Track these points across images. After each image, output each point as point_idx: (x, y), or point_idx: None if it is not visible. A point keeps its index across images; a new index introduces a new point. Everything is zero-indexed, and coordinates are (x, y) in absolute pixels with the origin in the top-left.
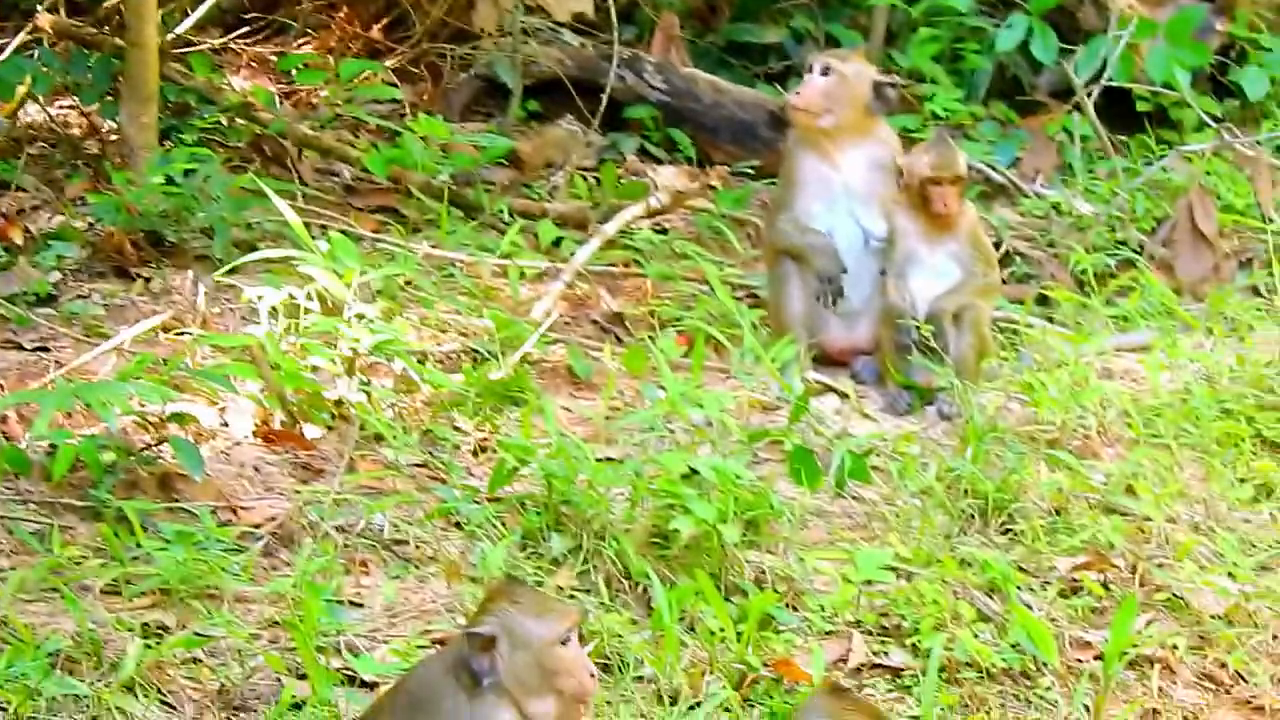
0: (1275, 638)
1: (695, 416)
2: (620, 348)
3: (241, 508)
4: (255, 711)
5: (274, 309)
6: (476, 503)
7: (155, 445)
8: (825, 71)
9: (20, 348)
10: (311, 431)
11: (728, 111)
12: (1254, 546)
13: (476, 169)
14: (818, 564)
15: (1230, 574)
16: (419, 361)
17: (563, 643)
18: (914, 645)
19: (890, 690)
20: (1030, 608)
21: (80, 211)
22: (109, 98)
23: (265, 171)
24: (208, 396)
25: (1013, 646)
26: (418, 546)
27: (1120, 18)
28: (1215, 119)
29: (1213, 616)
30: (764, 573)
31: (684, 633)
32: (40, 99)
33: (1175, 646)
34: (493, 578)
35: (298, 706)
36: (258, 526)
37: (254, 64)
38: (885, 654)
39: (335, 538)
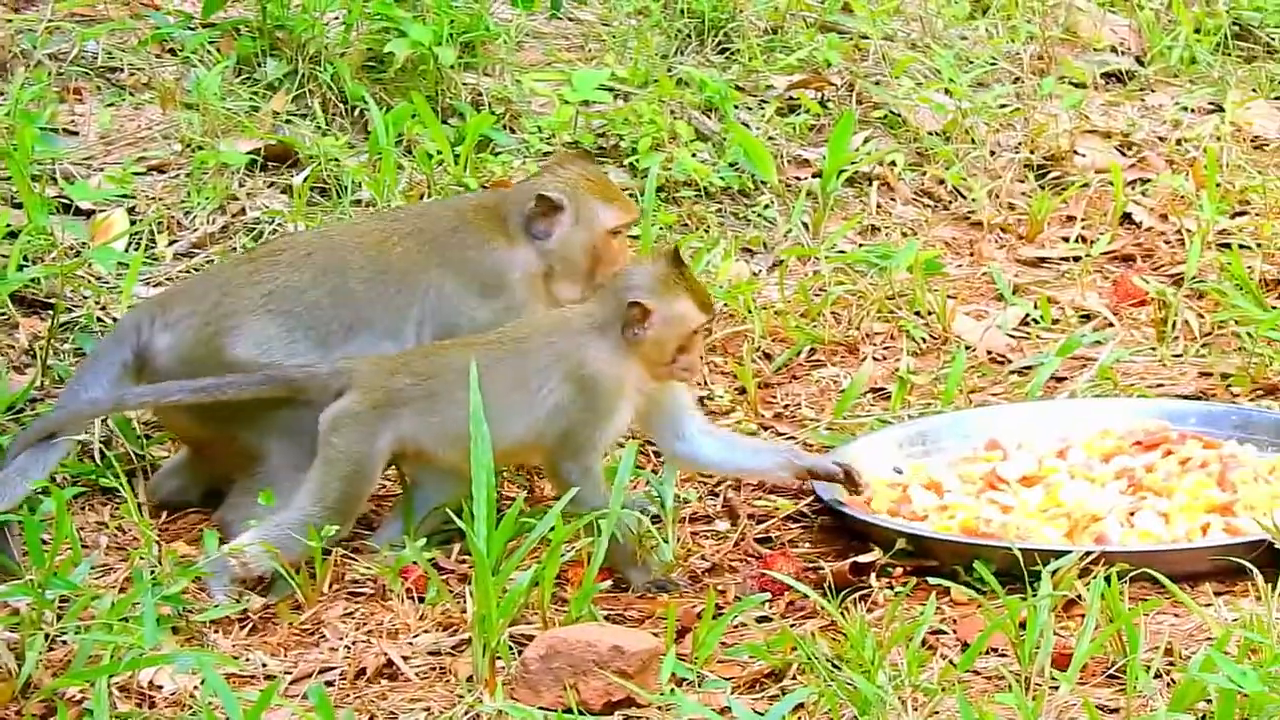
0: (992, 153)
1: None
2: None
3: None
4: None
5: None
6: (191, 28)
7: None
8: None
9: None
10: None
11: None
12: (970, 62)
13: None
14: (534, 85)
15: (947, 90)
16: None
17: (615, 234)
18: (632, 165)
19: None
20: (748, 126)
21: None
22: None
23: None
24: None
25: (731, 165)
26: (132, 73)
27: None
28: None
29: (930, 133)
30: (481, 95)
31: (401, 156)
32: None
33: (893, 163)
34: (207, 103)
35: (13, 235)
36: None
37: None
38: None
39: (48, 65)
